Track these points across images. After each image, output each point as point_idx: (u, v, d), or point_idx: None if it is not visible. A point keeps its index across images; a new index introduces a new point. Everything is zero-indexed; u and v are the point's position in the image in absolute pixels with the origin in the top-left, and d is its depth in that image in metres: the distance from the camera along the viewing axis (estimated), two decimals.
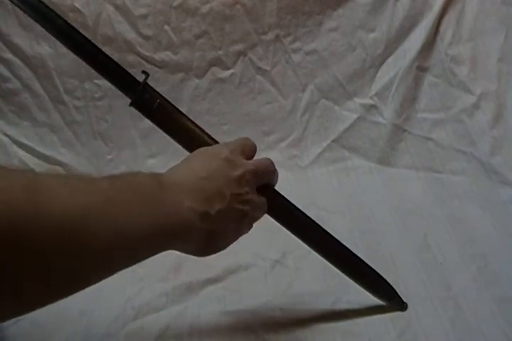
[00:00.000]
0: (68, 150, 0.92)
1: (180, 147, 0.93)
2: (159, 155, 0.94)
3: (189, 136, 0.54)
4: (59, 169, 0.91)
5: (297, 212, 0.58)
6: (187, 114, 0.95)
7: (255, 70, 0.93)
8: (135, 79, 0.52)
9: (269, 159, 0.53)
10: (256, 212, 0.51)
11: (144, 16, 0.86)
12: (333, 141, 0.95)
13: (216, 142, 0.54)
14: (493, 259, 0.73)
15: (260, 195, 0.51)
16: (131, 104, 0.51)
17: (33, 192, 0.32)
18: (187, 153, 0.93)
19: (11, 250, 0.30)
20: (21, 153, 0.90)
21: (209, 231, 0.45)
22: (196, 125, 0.55)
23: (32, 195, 0.31)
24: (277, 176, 0.54)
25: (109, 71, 0.51)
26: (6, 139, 0.89)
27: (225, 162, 0.48)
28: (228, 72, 0.92)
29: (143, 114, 0.52)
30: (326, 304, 0.67)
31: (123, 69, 0.52)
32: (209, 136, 0.55)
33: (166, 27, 0.87)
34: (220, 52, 0.91)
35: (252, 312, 0.66)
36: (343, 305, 0.66)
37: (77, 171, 0.91)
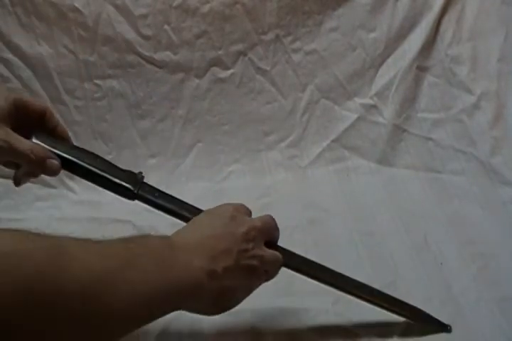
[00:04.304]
0: None
1: (180, 147, 0.94)
2: (159, 155, 0.94)
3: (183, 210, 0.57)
4: None
5: (308, 260, 0.60)
6: (187, 115, 0.95)
7: (255, 70, 0.93)
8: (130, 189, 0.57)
9: (270, 216, 0.55)
10: (268, 265, 0.52)
11: (144, 16, 0.86)
12: (333, 140, 0.95)
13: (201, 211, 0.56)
14: (493, 259, 0.73)
15: (271, 249, 0.53)
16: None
17: (56, 256, 0.34)
18: (185, 153, 0.94)
19: (36, 309, 0.32)
20: None
21: (218, 290, 0.47)
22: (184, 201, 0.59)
23: (55, 259, 0.34)
24: (279, 232, 0.56)
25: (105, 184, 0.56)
26: None
27: (230, 220, 0.50)
28: (228, 72, 0.92)
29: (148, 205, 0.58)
30: (326, 304, 0.67)
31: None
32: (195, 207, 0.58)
33: (166, 27, 0.87)
34: (220, 52, 0.91)
35: (252, 312, 0.66)
36: (343, 305, 0.66)
37: None
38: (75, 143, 0.93)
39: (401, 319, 0.63)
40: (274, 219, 0.55)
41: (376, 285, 0.64)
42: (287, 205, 0.86)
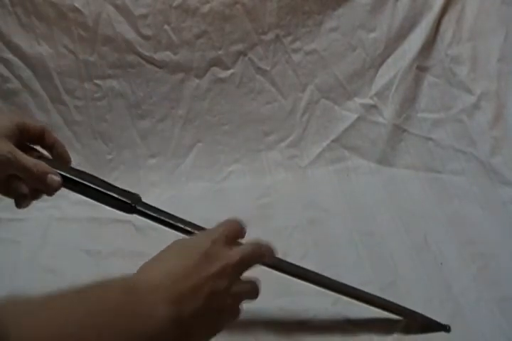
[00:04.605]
0: (68, 150, 0.92)
1: (180, 147, 0.94)
2: (159, 155, 0.94)
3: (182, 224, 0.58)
4: None
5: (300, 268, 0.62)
6: (187, 115, 0.95)
7: (255, 70, 0.93)
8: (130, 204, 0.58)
9: (256, 243, 0.49)
10: (244, 298, 0.48)
11: (144, 16, 0.86)
12: (333, 140, 0.95)
13: (202, 229, 0.56)
14: (493, 259, 0.73)
15: (248, 279, 0.49)
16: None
17: None
18: (185, 153, 0.94)
19: None
20: None
21: (182, 336, 0.43)
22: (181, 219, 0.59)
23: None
24: (273, 251, 0.51)
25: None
26: None
27: (203, 257, 0.44)
28: (228, 72, 0.92)
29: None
30: (326, 304, 0.67)
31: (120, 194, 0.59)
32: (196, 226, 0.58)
33: (166, 27, 0.87)
34: (220, 52, 0.91)
35: (252, 312, 0.66)
36: (342, 305, 0.66)
37: None
38: (75, 144, 0.94)
39: (400, 318, 0.63)
40: (259, 245, 0.49)
41: (376, 285, 0.64)
42: (287, 205, 0.86)
